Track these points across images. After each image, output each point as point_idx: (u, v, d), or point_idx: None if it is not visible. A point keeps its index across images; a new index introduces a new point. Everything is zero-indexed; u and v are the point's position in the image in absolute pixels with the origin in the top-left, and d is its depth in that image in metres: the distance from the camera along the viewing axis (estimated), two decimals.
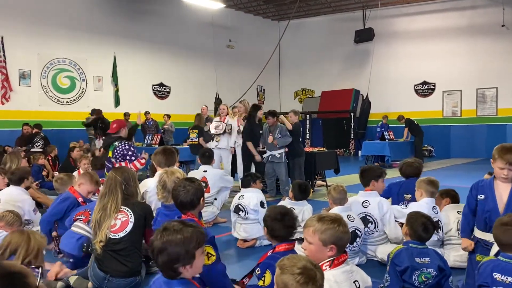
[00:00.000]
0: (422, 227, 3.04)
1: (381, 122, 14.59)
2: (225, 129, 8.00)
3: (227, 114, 8.29)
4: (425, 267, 2.96)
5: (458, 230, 3.85)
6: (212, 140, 8.24)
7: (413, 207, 3.89)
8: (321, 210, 4.87)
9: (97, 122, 11.16)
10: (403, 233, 3.23)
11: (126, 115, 12.95)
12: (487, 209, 3.14)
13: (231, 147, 8.18)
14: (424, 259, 2.98)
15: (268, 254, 2.88)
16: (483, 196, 3.19)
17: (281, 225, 2.87)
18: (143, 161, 5.69)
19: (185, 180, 3.11)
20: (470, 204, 3.28)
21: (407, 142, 13.38)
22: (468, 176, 10.29)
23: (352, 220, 3.91)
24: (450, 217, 3.99)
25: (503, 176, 3.08)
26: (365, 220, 4.13)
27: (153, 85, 15.29)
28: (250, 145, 7.54)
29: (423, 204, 3.92)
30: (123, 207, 3.44)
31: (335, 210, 3.96)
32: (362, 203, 4.23)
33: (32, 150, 9.99)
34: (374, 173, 4.38)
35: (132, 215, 3.42)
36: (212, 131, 8.09)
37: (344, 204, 4.07)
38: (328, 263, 2.31)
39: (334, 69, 18.44)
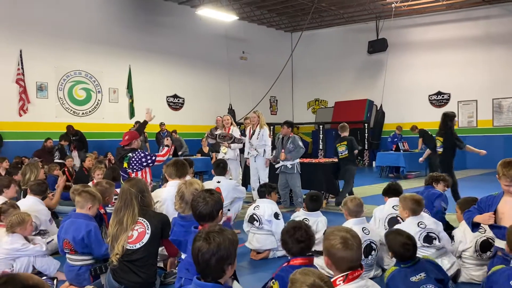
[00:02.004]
0: (401, 247, 2.99)
1: (393, 133, 14.45)
2: (233, 139, 8.01)
3: (231, 124, 8.31)
4: (423, 284, 2.85)
5: (476, 251, 3.71)
6: (218, 151, 8.29)
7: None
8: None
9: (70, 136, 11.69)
10: (390, 257, 3.24)
11: (137, 123, 13.01)
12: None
13: (246, 158, 8.18)
14: (420, 275, 2.89)
15: (283, 266, 2.87)
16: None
17: (292, 240, 2.88)
18: (165, 151, 5.68)
19: (205, 191, 3.12)
20: (472, 215, 3.31)
21: (422, 153, 13.21)
22: (485, 188, 10.11)
23: (367, 233, 3.87)
24: (468, 235, 3.76)
25: (510, 191, 3.08)
26: (395, 221, 4.29)
27: (167, 97, 15.43)
28: (469, 148, 7.90)
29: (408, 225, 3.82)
30: (140, 218, 3.44)
31: (350, 222, 3.92)
32: (393, 207, 4.38)
33: (56, 161, 10.13)
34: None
35: (149, 226, 3.43)
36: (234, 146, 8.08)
37: (360, 216, 4.03)
38: (342, 277, 2.29)
39: (347, 80, 18.41)
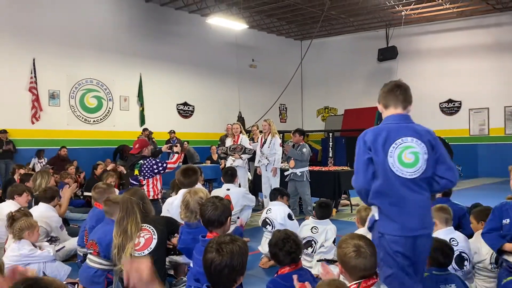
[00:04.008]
0: (441, 254, 2.93)
1: None
2: (244, 150, 8.01)
3: (240, 132, 8.31)
4: None
5: (491, 263, 3.56)
6: (227, 159, 8.30)
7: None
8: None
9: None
10: None
11: (149, 133, 13.16)
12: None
13: (256, 167, 8.17)
14: (450, 286, 2.87)
15: (273, 277, 2.89)
16: (508, 220, 3.12)
17: (283, 253, 2.86)
18: (175, 158, 5.73)
19: (215, 197, 3.14)
20: (495, 227, 3.18)
21: None
22: (497, 196, 9.98)
23: None
24: (483, 247, 3.59)
25: None
26: None
27: (177, 104, 15.52)
28: None
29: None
30: (144, 224, 3.45)
31: (361, 230, 3.89)
32: None
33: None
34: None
35: (155, 231, 3.43)
36: (244, 156, 8.07)
37: None
38: (355, 285, 2.27)
39: (357, 88, 18.37)
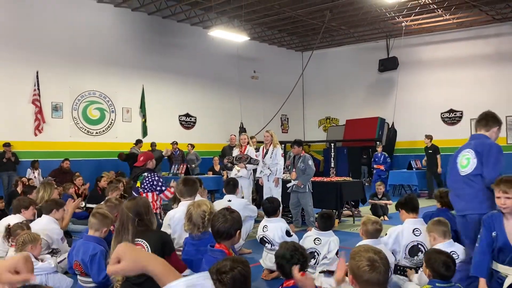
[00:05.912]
0: (443, 266, 2.93)
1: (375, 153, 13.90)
2: (249, 160, 8.04)
3: (248, 143, 8.34)
4: None
5: None
6: (232, 169, 8.33)
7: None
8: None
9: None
10: (426, 275, 3.12)
11: (153, 145, 13.22)
12: (499, 245, 3.18)
13: (258, 177, 8.18)
14: None
15: None
16: (494, 233, 3.22)
17: (290, 265, 2.84)
18: (172, 190, 5.75)
19: (225, 209, 3.13)
20: (487, 239, 3.25)
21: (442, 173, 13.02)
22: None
23: None
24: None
25: (500, 205, 3.16)
26: (416, 249, 4.00)
27: (179, 116, 15.59)
28: None
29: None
30: (138, 239, 3.40)
31: (365, 242, 3.88)
32: (413, 231, 4.10)
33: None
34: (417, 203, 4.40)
35: (149, 246, 3.38)
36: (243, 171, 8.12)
37: (376, 238, 4.02)
38: None
39: (358, 98, 18.43)
